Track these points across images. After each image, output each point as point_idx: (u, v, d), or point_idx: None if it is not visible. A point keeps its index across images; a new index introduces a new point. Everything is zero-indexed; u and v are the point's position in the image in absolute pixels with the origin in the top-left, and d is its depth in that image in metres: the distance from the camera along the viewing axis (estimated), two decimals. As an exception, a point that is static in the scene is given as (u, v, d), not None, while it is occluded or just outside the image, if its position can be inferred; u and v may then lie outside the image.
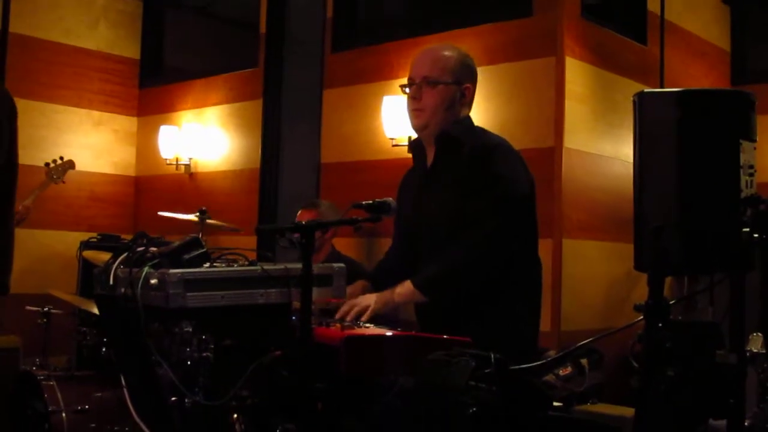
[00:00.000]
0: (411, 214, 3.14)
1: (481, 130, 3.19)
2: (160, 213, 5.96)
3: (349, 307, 2.87)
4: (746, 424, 2.41)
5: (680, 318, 4.53)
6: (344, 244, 5.53)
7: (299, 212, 5.20)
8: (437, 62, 3.10)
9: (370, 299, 2.91)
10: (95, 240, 6.44)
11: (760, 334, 2.93)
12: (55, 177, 5.77)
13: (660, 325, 1.96)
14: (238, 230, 5.73)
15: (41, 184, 5.66)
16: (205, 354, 3.24)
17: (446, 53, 3.15)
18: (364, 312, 2.86)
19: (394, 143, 5.43)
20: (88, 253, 4.92)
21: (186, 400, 2.76)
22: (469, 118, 3.18)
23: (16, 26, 6.82)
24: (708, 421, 2.35)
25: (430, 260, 2.99)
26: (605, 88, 5.30)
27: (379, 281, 3.20)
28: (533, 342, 3.09)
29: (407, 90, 3.15)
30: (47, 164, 5.77)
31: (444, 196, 3.04)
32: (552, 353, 4.10)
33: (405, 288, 2.91)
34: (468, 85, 3.13)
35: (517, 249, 2.96)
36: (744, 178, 2.18)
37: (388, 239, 3.48)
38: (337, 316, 2.85)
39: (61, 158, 5.86)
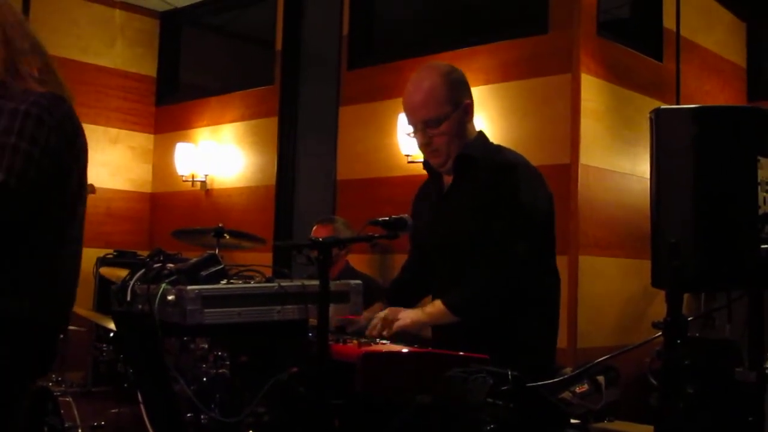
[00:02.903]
0: (427, 232, 3.12)
1: (496, 148, 3.14)
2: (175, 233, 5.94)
3: (378, 320, 2.86)
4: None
5: (697, 335, 4.51)
6: (359, 261, 5.53)
7: (314, 227, 5.23)
8: (428, 100, 2.96)
9: (400, 314, 2.89)
10: (111, 256, 6.47)
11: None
12: None
13: (679, 342, 1.96)
14: (263, 241, 5.73)
15: None
16: (221, 371, 3.26)
17: (430, 84, 2.97)
18: (391, 325, 2.84)
19: (409, 160, 5.44)
20: (105, 270, 4.94)
21: (202, 417, 2.77)
22: (482, 135, 3.12)
23: (34, 44, 6.87)
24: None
25: (454, 280, 2.96)
26: (621, 105, 5.30)
27: (396, 299, 3.19)
28: (551, 358, 3.07)
29: (414, 136, 3.08)
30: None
31: (462, 216, 3.00)
32: (568, 370, 4.08)
33: (436, 308, 2.87)
34: (467, 101, 3.02)
35: (543, 262, 2.95)
36: (762, 195, 2.17)
37: (402, 255, 3.47)
38: (367, 331, 2.83)
39: None
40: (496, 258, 2.84)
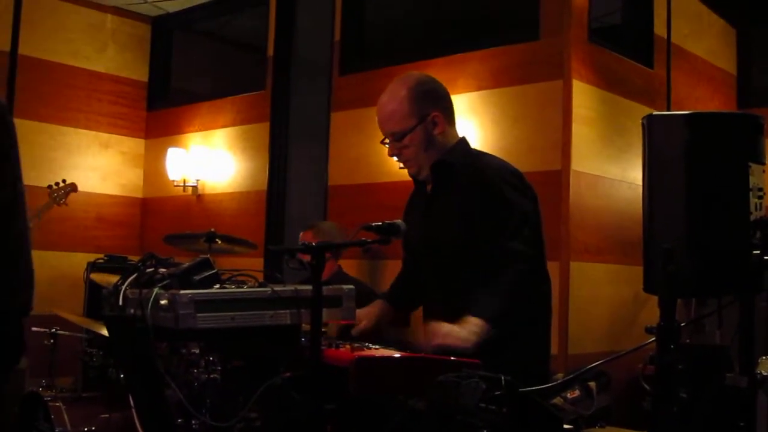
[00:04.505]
0: (415, 240, 3.13)
1: (477, 154, 3.16)
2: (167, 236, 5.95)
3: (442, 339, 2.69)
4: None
5: (688, 341, 4.52)
6: (350, 266, 5.53)
7: (300, 235, 5.25)
8: (393, 115, 3.02)
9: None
10: (102, 261, 6.45)
11: (769, 357, 2.93)
12: (57, 199, 5.79)
13: (672, 347, 1.96)
14: (255, 246, 5.74)
15: (43, 207, 5.66)
16: (212, 375, 3.26)
17: (396, 98, 3.03)
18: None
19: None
20: (96, 276, 4.93)
21: (193, 422, 2.76)
22: (463, 142, 3.13)
23: (25, 48, 6.86)
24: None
25: (442, 286, 2.99)
26: (612, 111, 5.31)
27: (397, 302, 3.23)
28: (545, 363, 3.08)
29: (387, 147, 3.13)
30: (50, 186, 5.78)
31: (447, 222, 3.02)
32: (559, 376, 4.08)
33: (472, 324, 2.70)
34: (434, 113, 3.02)
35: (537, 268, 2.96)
36: (753, 201, 2.18)
37: (394, 261, 3.49)
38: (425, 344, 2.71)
39: (64, 181, 5.89)
40: (499, 258, 2.82)
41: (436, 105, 3.06)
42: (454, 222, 2.97)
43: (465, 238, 2.92)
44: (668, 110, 5.64)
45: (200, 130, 7.27)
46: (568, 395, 4.16)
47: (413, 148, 3.02)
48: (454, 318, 2.75)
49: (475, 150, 3.19)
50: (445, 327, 2.71)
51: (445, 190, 3.06)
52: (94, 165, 7.35)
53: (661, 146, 2.27)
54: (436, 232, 3.05)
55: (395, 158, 3.16)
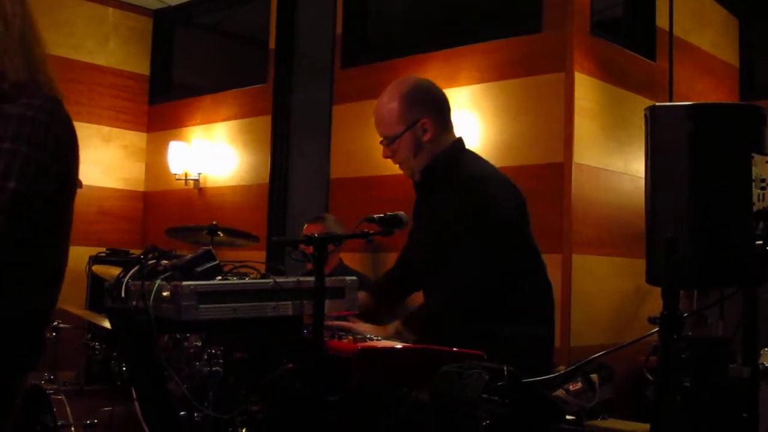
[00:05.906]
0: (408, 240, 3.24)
1: (457, 161, 3.14)
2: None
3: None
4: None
5: (690, 333, 4.52)
6: (351, 258, 5.53)
7: (305, 226, 5.25)
8: (383, 119, 3.10)
9: (362, 329, 2.92)
10: (104, 255, 6.45)
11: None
12: None
13: (675, 337, 1.96)
14: (257, 239, 5.73)
15: None
16: (215, 368, 3.26)
17: (388, 104, 3.10)
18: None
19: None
20: (98, 268, 4.92)
21: (196, 414, 2.76)
22: (453, 147, 3.15)
23: (26, 42, 6.85)
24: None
25: (428, 287, 3.11)
26: (614, 104, 5.30)
27: (381, 293, 3.27)
28: (547, 358, 3.09)
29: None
30: (52, 183, 5.77)
31: (423, 228, 3.11)
32: (561, 369, 4.08)
33: (394, 327, 2.95)
34: (423, 119, 3.07)
35: (513, 270, 2.96)
36: (756, 192, 2.18)
37: (396, 254, 3.49)
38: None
39: None
40: (450, 276, 2.93)
41: (427, 111, 3.09)
42: (428, 229, 3.06)
43: (434, 244, 3.01)
44: (670, 102, 5.63)
45: (202, 124, 7.27)
46: (571, 387, 4.15)
47: (402, 152, 3.10)
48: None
49: (460, 156, 3.18)
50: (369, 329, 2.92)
51: (429, 196, 3.12)
52: (95, 159, 7.35)
53: (664, 137, 2.26)
54: (420, 235, 3.12)
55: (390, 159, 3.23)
